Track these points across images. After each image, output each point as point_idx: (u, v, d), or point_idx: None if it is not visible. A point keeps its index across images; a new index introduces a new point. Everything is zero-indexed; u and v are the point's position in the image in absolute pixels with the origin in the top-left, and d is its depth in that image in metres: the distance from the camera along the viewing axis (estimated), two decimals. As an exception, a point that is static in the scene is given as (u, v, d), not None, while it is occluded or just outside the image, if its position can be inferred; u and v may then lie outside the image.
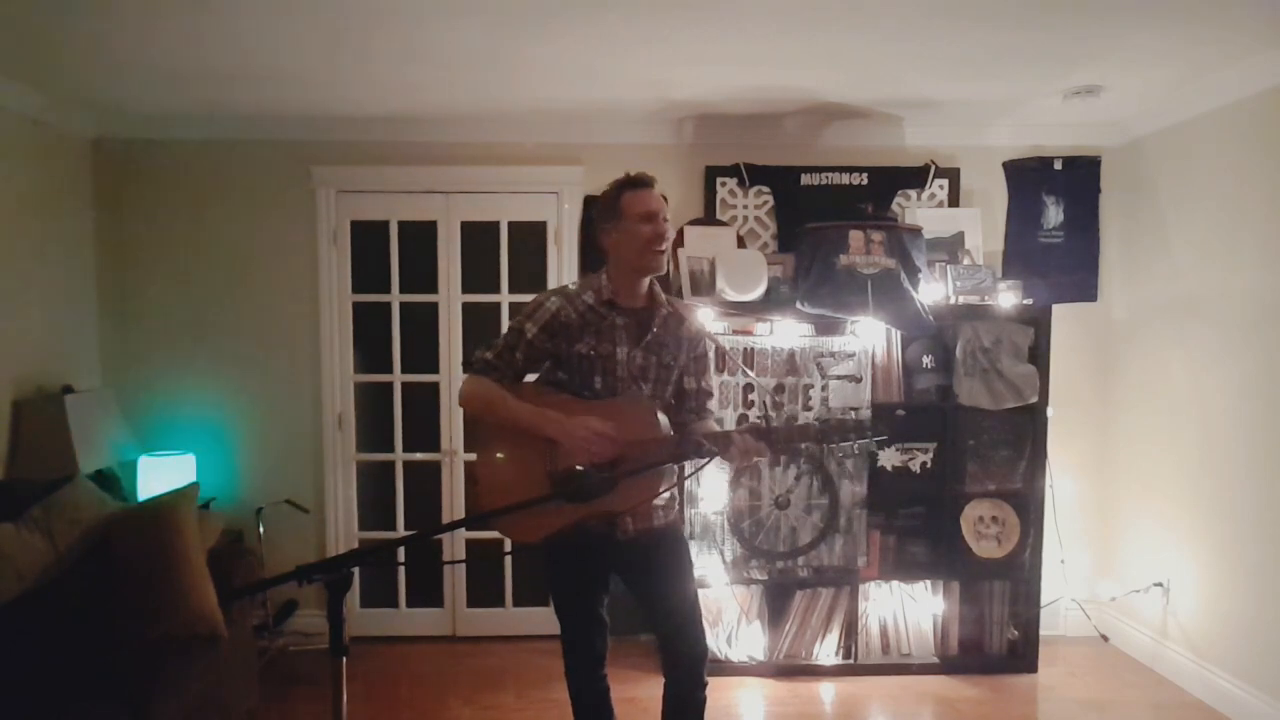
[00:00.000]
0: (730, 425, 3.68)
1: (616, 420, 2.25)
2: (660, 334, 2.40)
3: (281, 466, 4.22)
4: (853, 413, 3.65)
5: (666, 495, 2.41)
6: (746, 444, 2.21)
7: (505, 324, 4.10)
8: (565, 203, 4.19)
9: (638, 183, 2.37)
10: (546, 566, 2.52)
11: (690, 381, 2.49)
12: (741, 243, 4.14)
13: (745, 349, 3.74)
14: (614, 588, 2.52)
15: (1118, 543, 4.27)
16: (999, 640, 3.95)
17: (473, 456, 2.46)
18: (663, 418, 2.34)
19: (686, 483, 2.44)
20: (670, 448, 2.27)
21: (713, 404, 2.57)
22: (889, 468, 3.83)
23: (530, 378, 2.46)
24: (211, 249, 4.17)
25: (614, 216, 2.36)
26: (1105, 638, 4.26)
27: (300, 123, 4.07)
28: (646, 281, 2.40)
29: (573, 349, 2.34)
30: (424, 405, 4.28)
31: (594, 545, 2.37)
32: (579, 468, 2.25)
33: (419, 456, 4.31)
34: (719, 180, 4.22)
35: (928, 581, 3.90)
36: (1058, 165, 4.24)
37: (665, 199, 2.38)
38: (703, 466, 2.23)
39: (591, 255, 4.09)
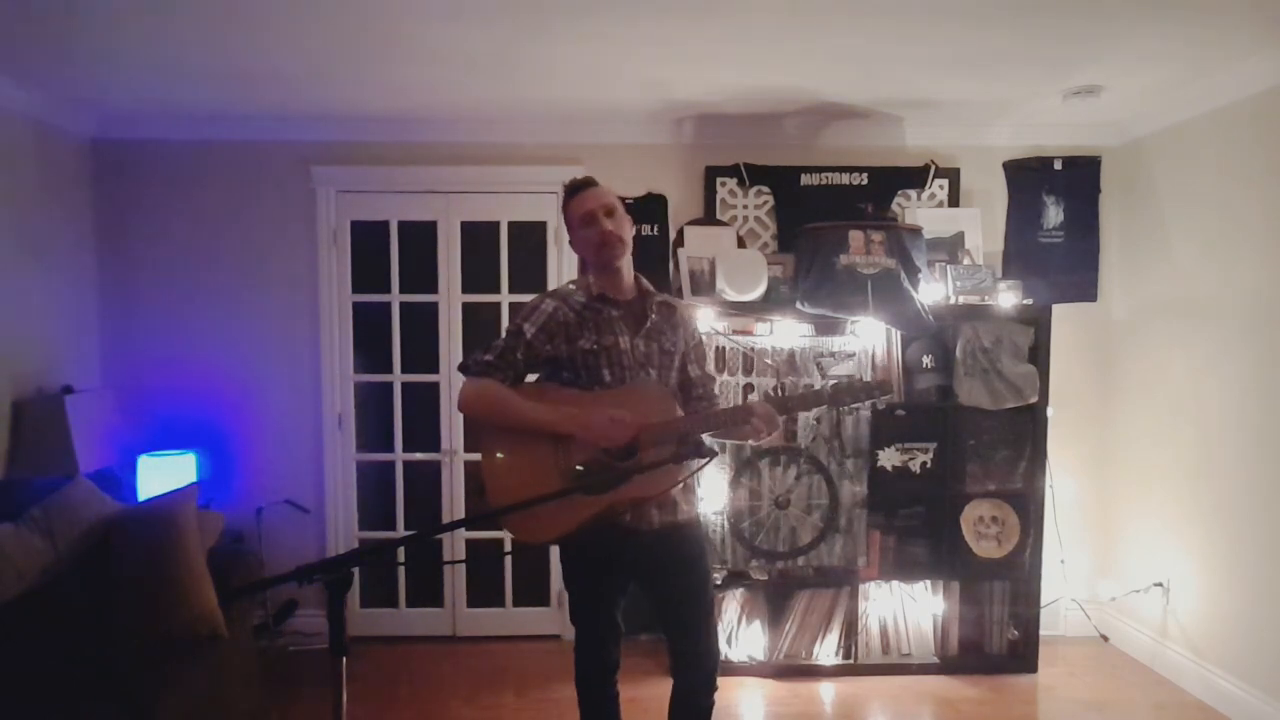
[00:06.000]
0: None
1: (630, 405, 2.26)
2: (658, 321, 2.43)
3: (281, 466, 4.22)
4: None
5: (682, 485, 2.35)
6: (767, 411, 2.26)
7: (505, 324, 4.11)
8: (565, 203, 4.19)
9: (574, 189, 2.42)
10: (565, 569, 2.48)
11: (694, 369, 2.52)
12: (741, 243, 4.14)
13: (745, 349, 3.74)
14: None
15: (1118, 543, 4.27)
16: (999, 640, 3.95)
17: (473, 456, 2.44)
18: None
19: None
20: (688, 424, 2.28)
21: (717, 388, 2.59)
22: (889, 468, 3.83)
23: (530, 377, 2.45)
24: (211, 249, 4.17)
25: (568, 226, 2.44)
26: (1105, 638, 4.26)
27: (300, 123, 4.07)
28: (629, 274, 2.42)
29: (575, 346, 2.34)
30: (424, 405, 4.28)
31: (616, 546, 2.33)
32: (597, 455, 2.22)
33: (419, 456, 4.31)
34: (719, 180, 4.22)
35: (928, 581, 3.90)
36: (1058, 165, 4.24)
37: (621, 201, 2.39)
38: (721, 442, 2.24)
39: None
